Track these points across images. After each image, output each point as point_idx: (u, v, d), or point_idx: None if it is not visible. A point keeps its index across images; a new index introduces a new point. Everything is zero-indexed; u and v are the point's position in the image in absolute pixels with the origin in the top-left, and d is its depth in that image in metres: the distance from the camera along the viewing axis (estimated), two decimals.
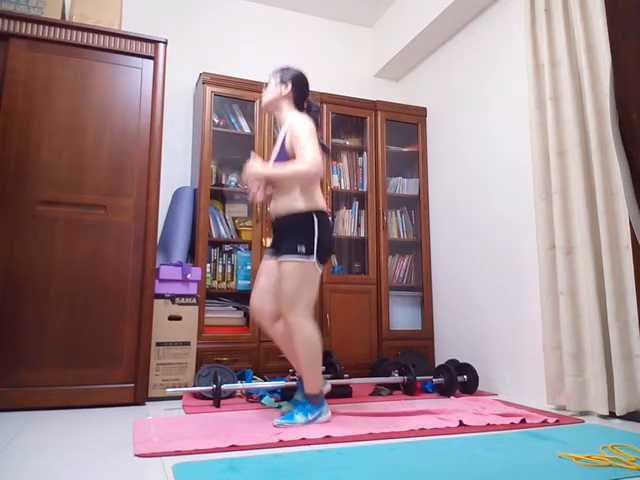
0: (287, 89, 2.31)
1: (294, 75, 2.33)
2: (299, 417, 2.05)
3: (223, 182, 3.41)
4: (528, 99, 2.72)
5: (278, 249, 2.20)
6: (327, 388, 2.29)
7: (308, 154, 2.09)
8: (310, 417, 2.06)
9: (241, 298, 3.24)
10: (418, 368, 3.09)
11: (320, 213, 2.18)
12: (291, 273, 2.10)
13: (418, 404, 2.44)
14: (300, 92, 2.34)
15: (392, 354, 3.39)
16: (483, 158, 3.23)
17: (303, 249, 2.10)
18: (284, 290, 2.11)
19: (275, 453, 1.68)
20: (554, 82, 2.59)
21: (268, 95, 2.35)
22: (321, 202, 2.22)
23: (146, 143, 2.70)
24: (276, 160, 2.27)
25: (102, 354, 2.48)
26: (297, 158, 2.12)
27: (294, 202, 2.16)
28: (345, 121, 3.79)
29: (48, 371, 2.38)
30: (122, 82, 2.71)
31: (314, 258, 2.11)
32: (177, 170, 3.51)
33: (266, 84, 2.41)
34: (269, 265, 2.27)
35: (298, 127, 2.18)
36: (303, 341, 2.09)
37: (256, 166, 2.18)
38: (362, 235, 3.62)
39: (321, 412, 2.10)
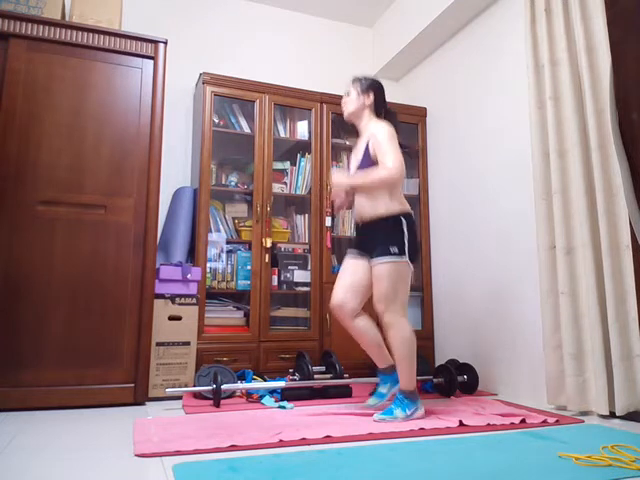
0: (370, 99, 2.44)
1: (374, 84, 2.46)
2: (398, 412, 2.16)
3: (223, 182, 3.41)
4: (528, 99, 2.72)
5: (365, 251, 2.34)
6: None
7: (390, 159, 2.22)
8: (409, 412, 2.16)
9: (241, 298, 3.24)
10: (418, 368, 3.08)
11: (407, 215, 2.31)
12: (387, 273, 2.22)
13: None
14: (380, 100, 2.46)
15: (392, 354, 3.38)
16: (483, 158, 3.23)
17: (396, 249, 2.22)
18: (380, 290, 2.23)
19: (275, 453, 1.68)
20: (554, 82, 2.59)
21: (351, 105, 2.47)
22: (406, 205, 2.35)
23: (146, 143, 2.70)
24: (359, 167, 2.37)
25: (102, 354, 2.48)
26: (380, 164, 2.24)
27: (381, 206, 2.29)
28: (345, 121, 3.77)
29: (48, 371, 2.38)
30: (122, 82, 2.71)
31: (406, 257, 2.24)
32: (177, 170, 3.51)
33: (347, 93, 2.51)
34: (353, 264, 2.39)
35: (380, 133, 2.30)
36: (401, 339, 2.21)
37: (341, 176, 2.35)
38: None
39: (417, 407, 2.20)
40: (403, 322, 2.23)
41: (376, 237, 2.29)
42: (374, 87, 2.46)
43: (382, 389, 2.39)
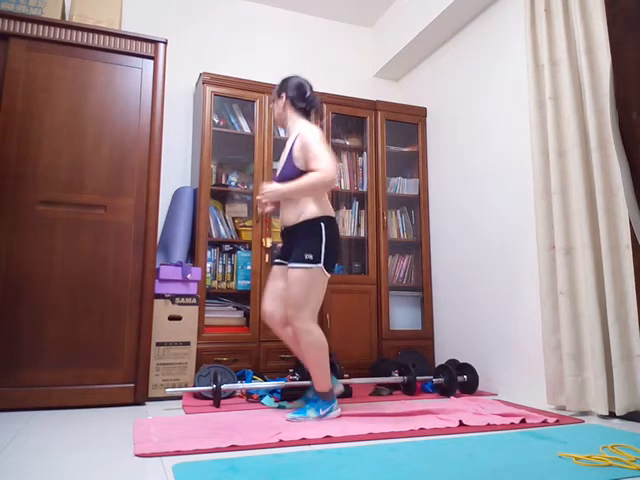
0: (282, 100, 2.41)
1: (285, 83, 2.43)
2: (311, 412, 2.16)
3: (223, 182, 3.41)
4: (528, 99, 2.72)
5: (286, 257, 2.31)
6: (339, 389, 2.36)
7: (322, 163, 2.16)
8: (322, 412, 2.17)
9: (241, 298, 3.23)
10: (418, 368, 3.09)
11: (328, 219, 2.24)
12: (299, 280, 2.17)
13: (418, 404, 2.45)
14: (296, 97, 2.40)
15: (392, 354, 3.39)
16: (483, 158, 3.23)
17: (311, 256, 2.17)
18: (291, 295, 2.19)
19: (275, 453, 1.68)
20: (554, 82, 2.59)
21: (274, 112, 2.48)
22: (328, 208, 2.29)
23: (146, 143, 2.70)
24: (284, 169, 2.33)
25: (102, 354, 2.48)
26: (312, 169, 2.18)
27: (302, 210, 2.23)
28: (345, 121, 3.78)
29: (48, 371, 2.38)
30: (122, 82, 2.71)
31: (321, 264, 2.18)
32: (177, 170, 3.51)
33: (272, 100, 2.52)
34: (277, 271, 2.37)
35: (307, 136, 2.24)
36: (310, 344, 2.19)
37: (273, 185, 2.27)
38: (362, 235, 3.62)
39: (332, 408, 2.20)
40: (312, 328, 2.21)
41: (295, 242, 2.25)
42: (285, 86, 2.42)
43: (309, 393, 2.35)
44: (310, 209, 2.22)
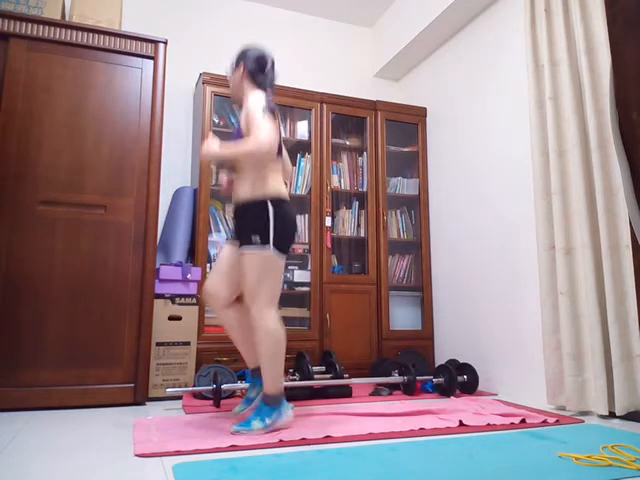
0: (240, 72, 2.21)
1: (245, 55, 2.23)
2: (256, 423, 1.93)
3: None
4: (528, 99, 2.72)
5: (237, 238, 2.15)
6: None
7: (259, 132, 1.96)
8: (268, 421, 1.94)
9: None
10: (418, 368, 3.09)
11: (276, 200, 2.06)
12: (250, 266, 2.02)
13: (418, 404, 2.44)
14: (255, 70, 2.20)
15: (392, 354, 3.39)
16: (483, 158, 3.23)
17: (258, 239, 2.01)
18: (246, 283, 2.04)
19: (275, 453, 1.68)
20: (554, 82, 2.59)
21: (230, 85, 2.28)
22: (277, 188, 2.09)
23: (146, 143, 2.70)
24: (233, 138, 2.17)
25: (102, 354, 2.48)
26: (250, 136, 2.00)
27: (250, 189, 2.07)
28: (345, 121, 3.79)
29: (48, 371, 2.38)
30: (122, 82, 2.71)
31: (271, 248, 2.01)
32: (177, 170, 3.51)
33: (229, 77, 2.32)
34: (228, 250, 2.19)
35: (251, 105, 2.06)
36: (265, 334, 1.98)
37: (212, 146, 2.06)
38: (362, 235, 3.62)
39: (280, 413, 1.98)
40: (269, 316, 2.00)
41: (242, 224, 2.10)
42: (244, 58, 2.22)
43: (251, 393, 2.22)
44: (256, 188, 2.06)
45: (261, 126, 1.98)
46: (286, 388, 2.54)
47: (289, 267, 3.38)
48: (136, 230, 2.62)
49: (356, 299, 3.44)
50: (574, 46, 2.53)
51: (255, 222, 2.04)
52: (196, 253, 3.10)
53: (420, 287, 3.65)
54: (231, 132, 3.36)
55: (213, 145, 2.06)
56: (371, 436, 1.89)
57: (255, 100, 2.07)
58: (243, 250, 2.05)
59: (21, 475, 1.44)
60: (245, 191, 2.08)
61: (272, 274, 2.04)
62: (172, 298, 2.79)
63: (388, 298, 3.51)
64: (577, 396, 2.34)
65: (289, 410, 2.02)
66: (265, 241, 2.01)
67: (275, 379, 1.99)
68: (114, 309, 2.53)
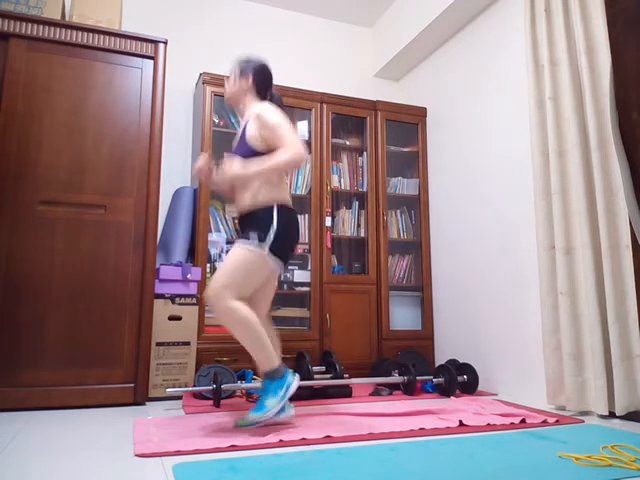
0: (248, 82, 2.25)
1: (255, 67, 2.27)
2: (270, 401, 1.93)
3: None
4: (528, 99, 2.72)
5: None
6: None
7: (293, 141, 2.01)
8: (281, 392, 1.95)
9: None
10: (418, 368, 3.09)
11: (281, 207, 2.10)
12: (236, 255, 2.01)
13: (418, 404, 2.44)
14: (262, 83, 2.28)
15: (392, 354, 3.39)
16: (483, 158, 3.23)
17: (255, 236, 2.02)
18: (221, 266, 2.01)
19: (275, 453, 1.68)
20: (554, 82, 2.59)
21: (230, 89, 2.29)
22: (283, 196, 2.14)
23: (146, 143, 2.70)
24: (236, 151, 2.18)
25: (102, 354, 2.48)
26: (279, 148, 2.02)
27: (255, 197, 2.10)
28: (345, 121, 3.79)
29: (48, 371, 2.38)
30: (122, 82, 2.71)
31: (266, 249, 2.01)
32: (177, 170, 3.51)
33: (227, 77, 2.33)
34: None
35: (270, 116, 2.09)
36: (238, 322, 1.95)
37: (235, 166, 2.05)
38: (362, 235, 3.62)
39: (288, 384, 1.98)
40: (236, 305, 1.95)
41: (246, 227, 2.12)
42: (254, 69, 2.26)
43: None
44: (263, 195, 2.09)
45: (289, 137, 2.02)
46: None
47: (289, 267, 3.38)
48: (136, 230, 2.62)
49: (356, 299, 3.44)
50: (574, 46, 2.53)
51: (258, 223, 2.06)
52: (196, 253, 3.09)
53: (420, 287, 3.65)
54: (231, 132, 3.36)
55: (235, 165, 2.05)
56: (371, 436, 1.89)
57: (272, 112, 2.12)
58: (236, 243, 2.05)
59: (21, 475, 1.44)
60: (251, 199, 2.11)
61: (252, 274, 2.02)
62: (172, 298, 2.79)
63: (388, 298, 3.51)
64: (577, 396, 2.34)
65: (295, 378, 2.03)
66: (262, 240, 2.02)
67: (266, 356, 1.99)
68: (114, 309, 2.53)
